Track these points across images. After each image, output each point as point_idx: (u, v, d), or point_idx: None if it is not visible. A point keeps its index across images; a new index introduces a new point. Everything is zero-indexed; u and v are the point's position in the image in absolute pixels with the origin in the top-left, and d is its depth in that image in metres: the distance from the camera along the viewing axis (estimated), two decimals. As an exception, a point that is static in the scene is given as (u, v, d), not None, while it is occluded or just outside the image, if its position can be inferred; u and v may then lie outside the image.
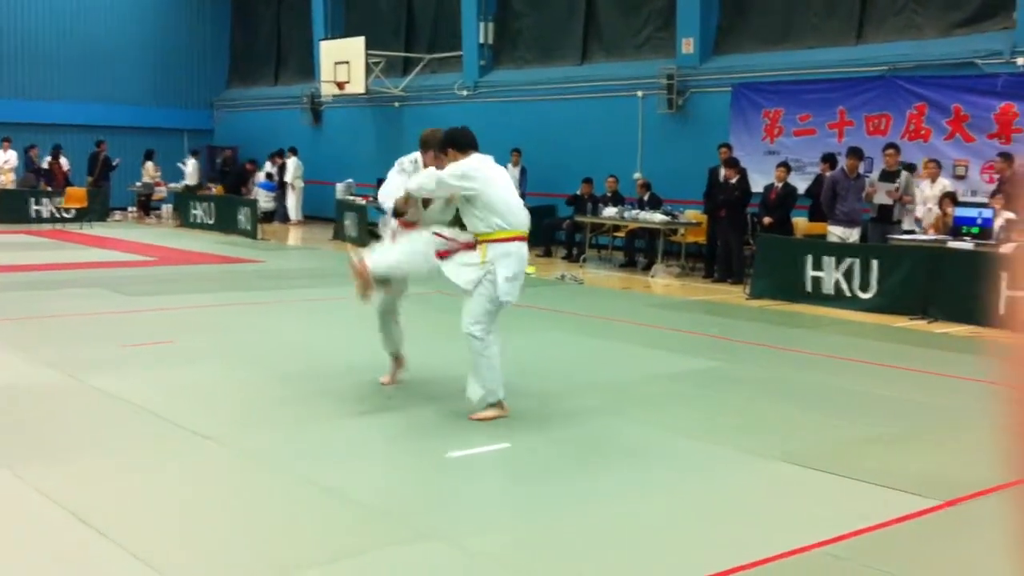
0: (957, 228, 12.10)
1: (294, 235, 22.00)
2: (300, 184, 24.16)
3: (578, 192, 17.27)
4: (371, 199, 20.32)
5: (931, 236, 12.38)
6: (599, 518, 4.80)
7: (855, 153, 13.27)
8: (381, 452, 5.99)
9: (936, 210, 12.76)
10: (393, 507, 4.87)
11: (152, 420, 6.39)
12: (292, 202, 24.14)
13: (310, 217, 24.29)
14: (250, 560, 4.24)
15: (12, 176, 23.62)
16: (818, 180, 14.36)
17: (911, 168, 13.28)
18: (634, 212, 15.90)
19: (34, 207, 22.49)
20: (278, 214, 23.81)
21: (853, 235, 13.02)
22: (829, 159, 14.18)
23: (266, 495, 5.09)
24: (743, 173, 14.61)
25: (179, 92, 28.39)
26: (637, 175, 17.12)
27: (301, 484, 5.20)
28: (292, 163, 24.08)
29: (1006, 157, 12.60)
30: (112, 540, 4.35)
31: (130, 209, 25.69)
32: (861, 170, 13.35)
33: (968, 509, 4.98)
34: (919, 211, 13.09)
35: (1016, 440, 1.15)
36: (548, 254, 17.67)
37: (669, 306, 12.36)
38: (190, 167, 25.15)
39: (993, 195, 12.43)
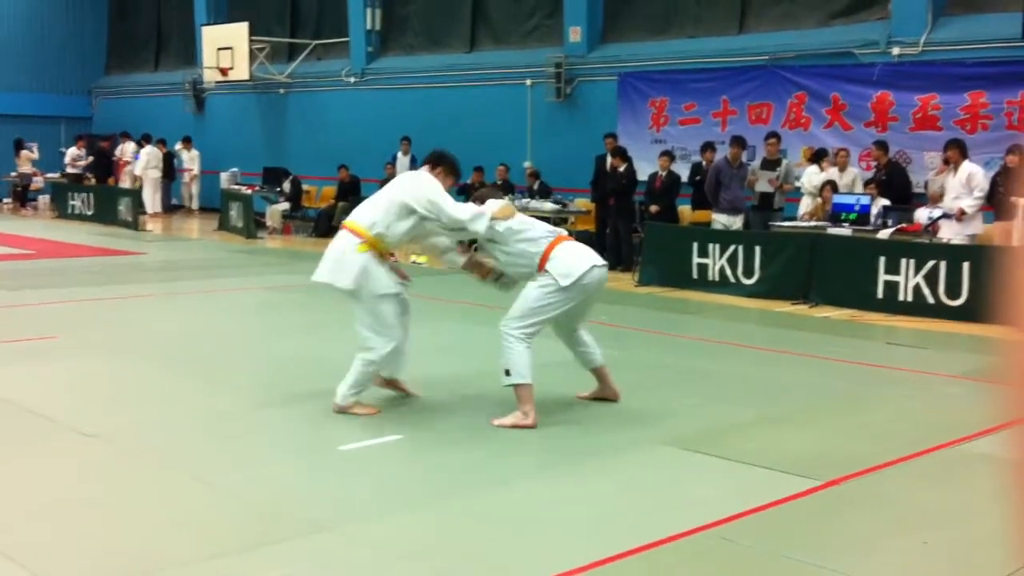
0: (836, 215, 12.47)
1: (177, 226, 21.49)
2: (154, 174, 23.02)
3: (469, 180, 17.26)
4: (257, 188, 20.01)
5: (811, 223, 12.74)
6: (487, 505, 4.83)
7: (738, 142, 13.56)
8: (271, 447, 5.90)
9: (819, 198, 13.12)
10: (281, 502, 4.80)
11: (32, 418, 6.19)
12: (148, 193, 22.66)
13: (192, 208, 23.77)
14: (128, 558, 4.13)
15: None
16: (698, 168, 14.64)
17: (823, 155, 13.53)
18: (524, 200, 15.97)
19: (-100, 198, 21.54)
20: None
21: (737, 223, 13.32)
22: (710, 147, 14.46)
23: (149, 492, 4.97)
24: (630, 162, 14.80)
25: (55, 78, 27.39)
26: (527, 164, 17.21)
27: (186, 481, 5.10)
28: (145, 152, 23.01)
29: (880, 145, 13.03)
30: (-11, 545, 4.20)
31: (5, 200, 24.77)
32: (744, 159, 13.66)
33: (850, 488, 5.15)
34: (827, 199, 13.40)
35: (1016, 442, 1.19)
36: (439, 243, 17.61)
37: (559, 294, 12.45)
38: (70, 156, 24.17)
39: (869, 183, 12.85)
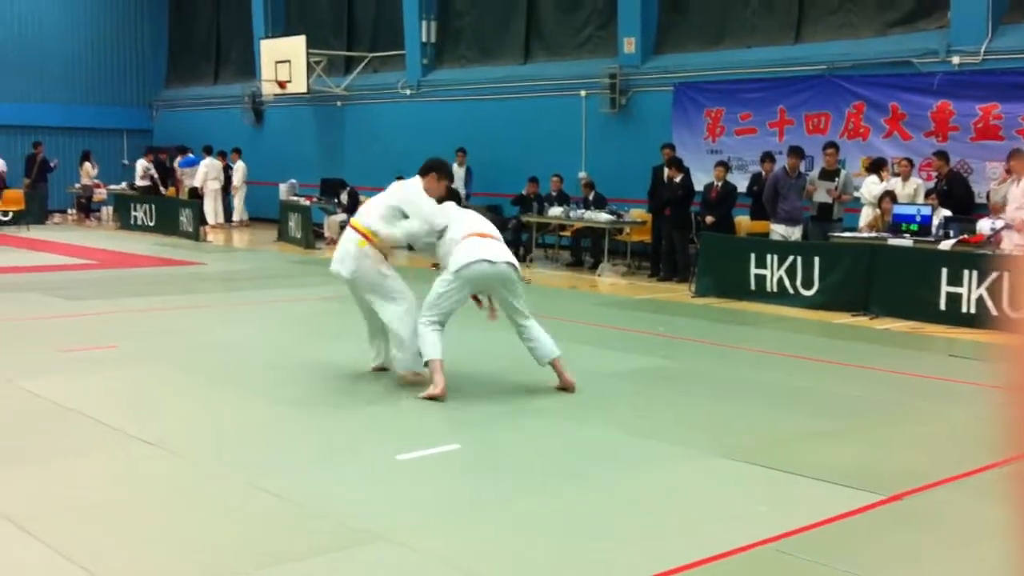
0: (896, 225, 12.30)
1: (237, 237, 21.76)
2: (214, 186, 23.12)
3: (524, 192, 17.30)
4: (315, 199, 20.21)
5: (871, 234, 12.58)
6: (544, 517, 4.81)
7: (796, 152, 13.45)
8: (328, 456, 5.94)
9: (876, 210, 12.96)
10: (337, 511, 4.83)
11: (92, 425, 6.29)
12: (209, 205, 22.84)
13: (251, 218, 24.04)
14: (189, 565, 4.18)
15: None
16: (757, 179, 14.53)
17: (881, 165, 13.37)
18: (580, 211, 15.97)
19: (-31, 210, 22.06)
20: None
21: (795, 233, 13.19)
22: (769, 158, 14.35)
23: (206, 500, 5.03)
24: (687, 172, 14.73)
25: (117, 91, 27.92)
26: (582, 174, 17.19)
27: (244, 488, 5.15)
28: (205, 164, 23.10)
29: (941, 155, 12.83)
30: (50, 547, 4.27)
31: (69, 211, 25.26)
32: (802, 169, 13.53)
33: (912, 503, 5.07)
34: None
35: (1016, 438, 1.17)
36: (493, 253, 17.65)
37: (615, 304, 12.42)
38: (141, 168, 24.42)
39: (929, 193, 12.66)
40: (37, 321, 10.30)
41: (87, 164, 24.77)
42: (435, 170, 7.56)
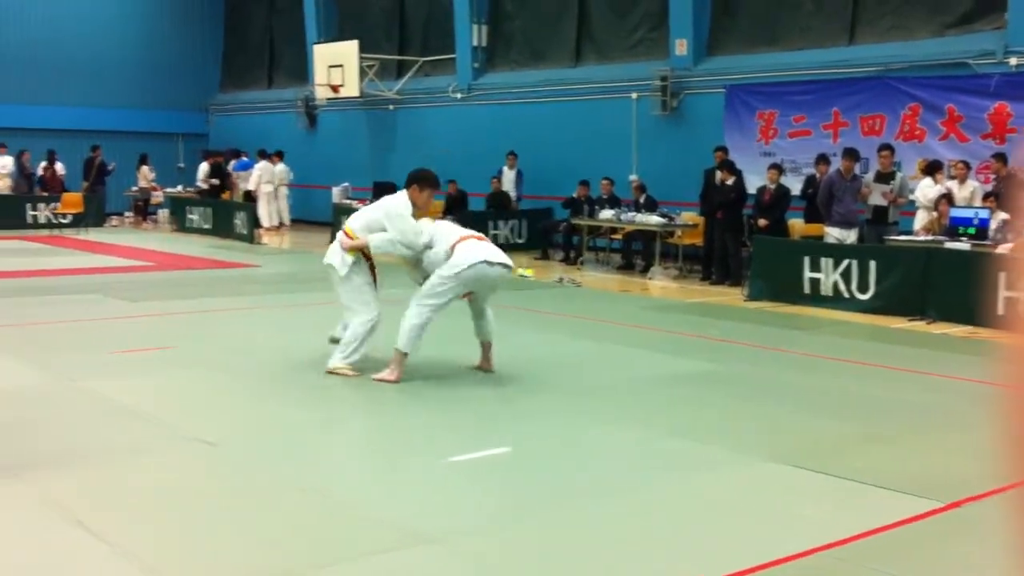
0: (953, 229, 12.13)
1: (290, 240, 21.97)
2: (268, 189, 23.30)
3: (574, 194, 17.29)
4: (367, 202, 20.34)
5: (927, 237, 12.42)
6: (595, 521, 4.81)
7: (850, 154, 13.31)
8: (380, 458, 5.99)
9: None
10: (388, 512, 4.87)
11: (149, 425, 6.40)
12: (263, 208, 23.05)
13: (304, 221, 24.26)
14: (244, 566, 4.24)
15: (8, 181, 23.60)
16: (811, 181, 14.40)
17: (937, 167, 13.19)
18: (631, 214, 15.93)
19: (30, 212, 22.50)
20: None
21: (850, 236, 13.05)
22: (824, 160, 14.22)
23: (259, 500, 5.08)
24: (739, 175, 14.64)
25: (173, 96, 28.32)
26: (633, 177, 17.14)
27: (297, 489, 5.21)
28: (259, 167, 23.29)
29: (999, 157, 12.64)
30: (110, 544, 4.35)
31: (127, 214, 25.67)
32: (856, 171, 13.39)
33: (970, 511, 4.99)
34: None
35: (1014, 444, 1.17)
36: (545, 257, 17.69)
37: (667, 308, 12.38)
38: (203, 172, 24.71)
39: (987, 196, 12.47)
40: (97, 322, 10.48)
41: (144, 167, 25.16)
42: (417, 181, 7.86)
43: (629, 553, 4.44)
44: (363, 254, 7.92)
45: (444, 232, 7.82)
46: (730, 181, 14.51)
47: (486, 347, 8.10)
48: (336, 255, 7.95)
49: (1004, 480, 1.17)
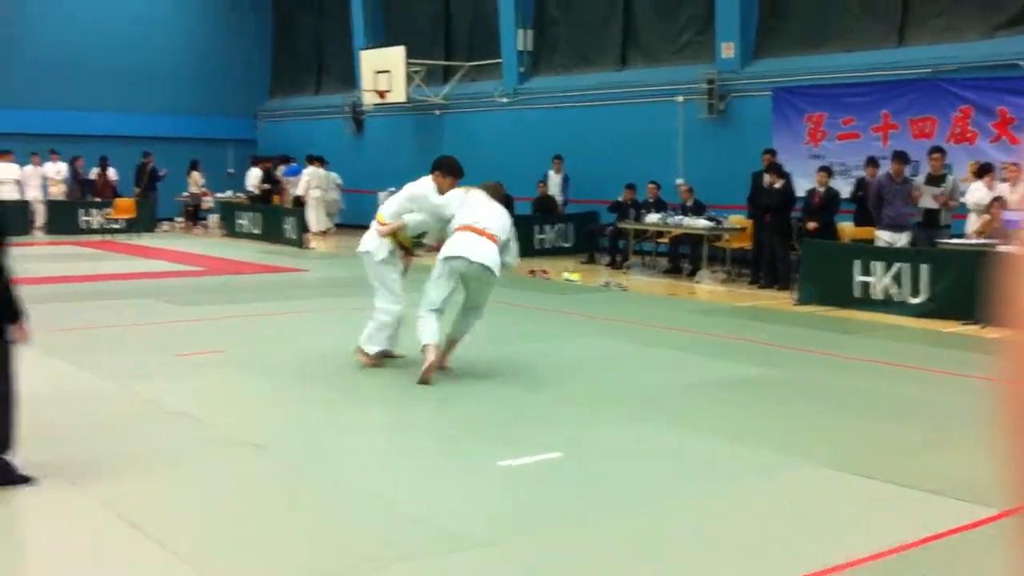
0: (1006, 232, 11.95)
1: (337, 244, 22.12)
2: (316, 194, 23.34)
3: (620, 198, 17.26)
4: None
5: (980, 240, 12.25)
6: (648, 526, 4.81)
7: (900, 157, 13.16)
8: (430, 461, 6.03)
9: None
10: (439, 515, 4.89)
11: (203, 429, 6.48)
12: (312, 213, 23.02)
13: (350, 226, 24.42)
14: (298, 568, 4.29)
15: (62, 187, 24.00)
16: (860, 184, 14.26)
17: (988, 170, 13.00)
18: (677, 218, 15.87)
19: (83, 218, 22.86)
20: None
21: (901, 239, 12.90)
22: (874, 163, 14.08)
23: (313, 502, 5.14)
24: (787, 178, 14.53)
25: (223, 102, 28.65)
26: (680, 181, 17.07)
27: (349, 491, 5.26)
28: (307, 173, 23.36)
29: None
30: (165, 547, 4.42)
31: (177, 219, 26.00)
32: (907, 173, 13.24)
33: (1025, 518, 4.92)
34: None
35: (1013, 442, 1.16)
36: (591, 261, 17.67)
37: (715, 312, 12.32)
38: (255, 177, 24.97)
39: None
40: (150, 326, 10.63)
41: (195, 173, 25.46)
42: (440, 167, 8.42)
43: (681, 559, 4.43)
44: (400, 245, 8.37)
45: (462, 212, 8.00)
46: (778, 184, 14.41)
47: (450, 343, 8.13)
48: (372, 241, 8.34)
49: (1004, 481, 1.17)
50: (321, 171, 23.45)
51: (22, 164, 23.36)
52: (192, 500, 5.17)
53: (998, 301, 1.18)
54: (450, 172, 8.36)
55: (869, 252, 12.48)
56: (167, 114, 27.41)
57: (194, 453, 5.98)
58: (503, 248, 7.96)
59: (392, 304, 8.27)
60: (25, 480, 5.22)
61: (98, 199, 23.71)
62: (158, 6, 27.81)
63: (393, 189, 21.51)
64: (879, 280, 11.95)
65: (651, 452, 6.11)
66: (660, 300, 13.54)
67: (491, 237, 7.84)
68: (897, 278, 11.80)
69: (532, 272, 15.55)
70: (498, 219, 7.99)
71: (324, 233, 23.40)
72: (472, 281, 7.93)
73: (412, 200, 8.31)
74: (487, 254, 7.74)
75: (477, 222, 7.88)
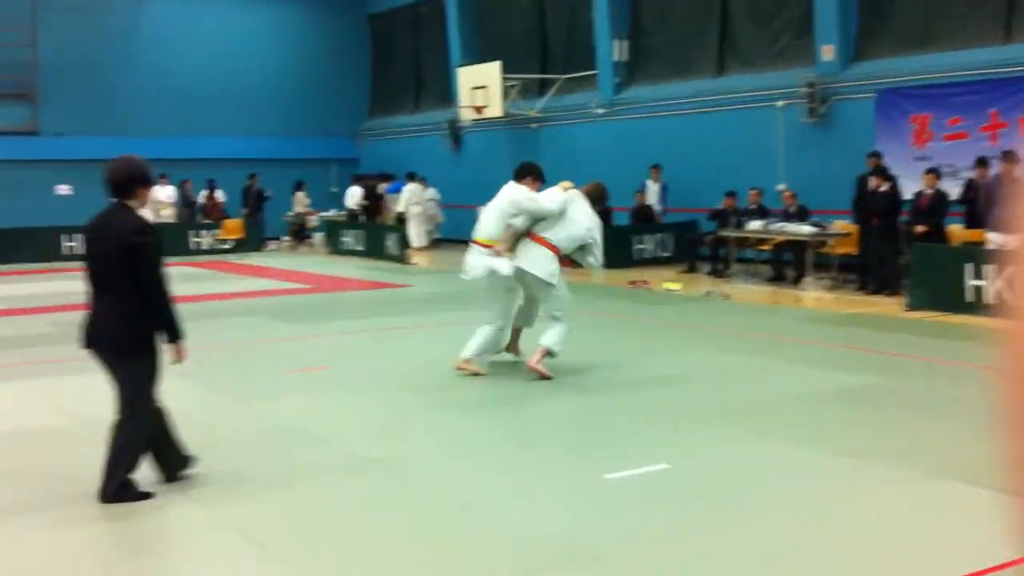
0: None
1: (440, 260, 22.38)
2: (416, 210, 23.83)
3: (720, 206, 17.12)
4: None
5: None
6: (754, 540, 4.78)
7: (1010, 156, 12.79)
8: (538, 476, 6.07)
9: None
10: (551, 531, 4.93)
11: (318, 444, 6.64)
12: (413, 229, 23.53)
13: (452, 240, 24.68)
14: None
15: (172, 210, 24.78)
16: (970, 185, 13.89)
17: None
18: (779, 224, 15.67)
19: (193, 240, 23.57)
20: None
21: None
22: (983, 163, 13.71)
23: (422, 520, 5.20)
24: (893, 181, 14.23)
25: (325, 123, 29.31)
26: (782, 187, 16.85)
27: (458, 509, 5.34)
28: (407, 189, 23.87)
29: None
30: (285, 564, 4.54)
31: (283, 238, 26.62)
32: (1018, 173, 12.86)
33: None
34: None
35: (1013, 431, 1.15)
36: (692, 270, 17.55)
37: (822, 320, 12.12)
38: (348, 195, 25.50)
39: None
40: (261, 344, 10.92)
41: (299, 193, 26.05)
42: (531, 173, 8.83)
43: (790, 572, 4.39)
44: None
45: (558, 216, 8.59)
46: (884, 187, 14.12)
47: (516, 332, 9.10)
48: (491, 262, 8.58)
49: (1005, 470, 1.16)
50: (419, 187, 23.78)
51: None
52: (308, 516, 5.30)
53: (1011, 294, 1.17)
54: (538, 178, 8.83)
55: (981, 255, 12.15)
56: (271, 136, 28.15)
57: (309, 469, 6.11)
58: (581, 250, 8.81)
59: (502, 322, 8.84)
60: (146, 496, 5.43)
61: (207, 221, 24.42)
62: (260, 34, 28.60)
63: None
64: (992, 284, 11.62)
65: (762, 464, 6.06)
66: (765, 309, 13.38)
67: (543, 242, 8.54)
68: (1011, 282, 11.44)
69: (633, 283, 15.52)
70: (572, 223, 8.63)
71: (427, 248, 23.72)
72: (524, 286, 8.70)
73: (515, 204, 8.59)
74: (534, 262, 8.46)
75: (542, 236, 8.58)
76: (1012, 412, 1.14)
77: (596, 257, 8.85)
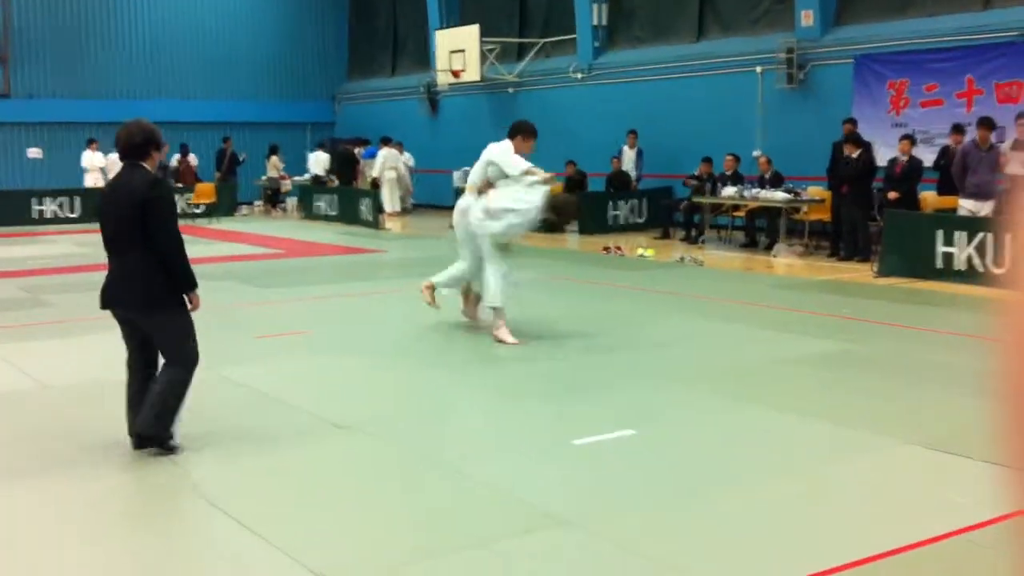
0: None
1: (414, 224, 22.29)
2: (391, 175, 23.43)
3: (696, 172, 17.09)
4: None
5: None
6: (731, 504, 4.79)
7: (986, 123, 12.81)
8: (508, 441, 6.07)
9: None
10: (522, 495, 4.93)
11: (290, 411, 6.60)
12: (387, 194, 23.16)
13: (428, 205, 24.58)
14: (383, 548, 4.36)
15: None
16: (945, 152, 13.92)
17: None
18: (755, 191, 15.66)
19: (166, 203, 23.30)
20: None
21: (985, 208, 12.58)
22: (958, 130, 13.72)
23: (396, 484, 5.21)
24: (867, 147, 14.24)
25: (301, 86, 29.05)
26: (757, 152, 16.84)
27: (430, 472, 5.33)
28: (382, 154, 23.53)
29: None
30: (250, 529, 4.51)
31: (256, 203, 26.42)
32: (993, 140, 12.89)
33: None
34: None
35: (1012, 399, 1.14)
36: (666, 236, 17.54)
37: (793, 286, 12.15)
38: (312, 160, 25.44)
39: None
40: (233, 308, 10.84)
41: (274, 157, 25.83)
42: (522, 132, 8.87)
43: (767, 537, 4.41)
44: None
45: (514, 179, 8.76)
46: (855, 154, 14.12)
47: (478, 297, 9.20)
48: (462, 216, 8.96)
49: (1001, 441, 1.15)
50: (394, 152, 23.60)
51: (106, 152, 23.92)
52: (278, 482, 5.27)
53: (1009, 264, 1.15)
54: (532, 136, 8.92)
55: (952, 222, 12.20)
56: (247, 100, 27.89)
57: (283, 435, 6.06)
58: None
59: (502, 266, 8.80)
60: (172, 450, 5.56)
61: (180, 185, 24.19)
62: (237, -4, 28.20)
63: (467, 168, 21.77)
64: (962, 251, 11.67)
65: (733, 430, 6.07)
66: (737, 275, 13.41)
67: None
68: (980, 248, 11.51)
69: (606, 248, 15.49)
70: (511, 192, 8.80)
71: (401, 213, 23.57)
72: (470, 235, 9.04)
73: (498, 156, 8.73)
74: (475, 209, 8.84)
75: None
76: (1012, 382, 1.12)
77: (499, 231, 8.72)
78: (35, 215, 22.01)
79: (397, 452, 5.71)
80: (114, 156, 23.56)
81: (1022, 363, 1.12)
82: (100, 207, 5.76)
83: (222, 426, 6.26)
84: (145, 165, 5.64)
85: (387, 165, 23.48)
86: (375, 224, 20.34)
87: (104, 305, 5.63)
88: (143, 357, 5.70)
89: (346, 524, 4.63)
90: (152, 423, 5.47)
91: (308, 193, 23.96)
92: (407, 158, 24.28)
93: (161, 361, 5.68)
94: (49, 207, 22.37)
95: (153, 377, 5.63)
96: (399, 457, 5.62)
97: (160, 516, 4.93)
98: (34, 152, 25.17)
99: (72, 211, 22.41)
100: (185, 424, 5.70)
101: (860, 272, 12.92)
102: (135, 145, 5.60)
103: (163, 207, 5.54)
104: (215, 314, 10.53)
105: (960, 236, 11.73)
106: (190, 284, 5.62)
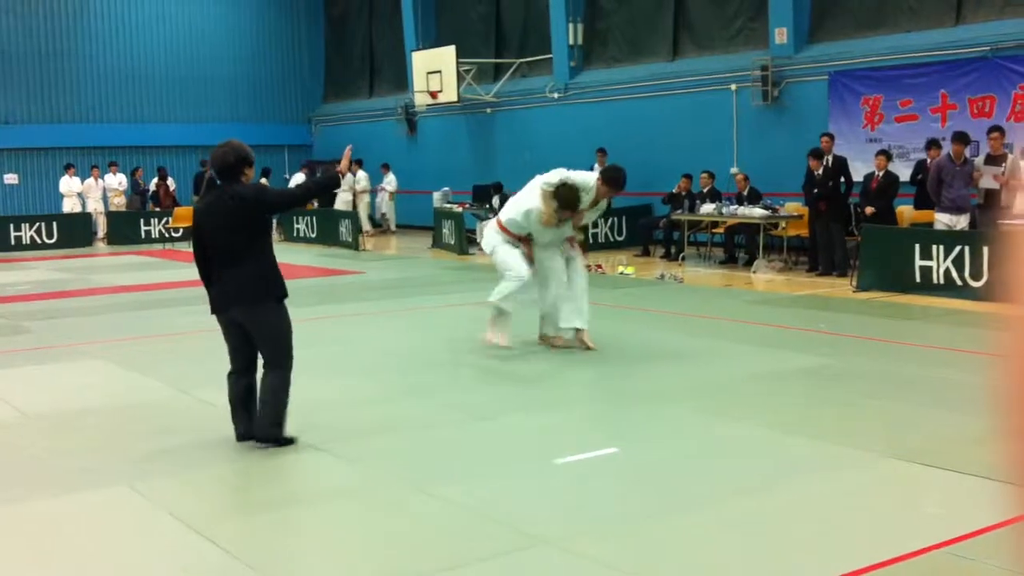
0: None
1: (394, 245, 22.29)
2: (366, 198, 23.96)
3: (675, 190, 17.16)
4: (467, 206, 20.54)
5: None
6: (709, 521, 4.78)
7: (960, 138, 12.92)
8: (489, 460, 6.05)
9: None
10: (502, 515, 4.91)
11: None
12: (363, 214, 23.71)
13: (408, 226, 24.58)
14: (366, 569, 4.33)
15: (124, 198, 24.44)
16: (920, 167, 14.03)
17: None
18: (733, 207, 15.74)
19: (144, 228, 23.26)
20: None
21: (961, 222, 12.68)
22: (935, 145, 13.84)
23: (375, 503, 5.18)
24: (841, 162, 14.34)
25: (278, 109, 29.04)
26: (734, 170, 16.93)
27: (409, 492, 5.30)
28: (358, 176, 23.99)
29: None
30: (227, 551, 4.48)
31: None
32: (968, 154, 13.00)
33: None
34: None
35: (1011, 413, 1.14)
36: (646, 253, 17.60)
37: (773, 302, 12.20)
38: (293, 182, 25.48)
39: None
40: (210, 333, 10.77)
41: (262, 180, 25.80)
42: (607, 183, 9.37)
43: (744, 553, 4.41)
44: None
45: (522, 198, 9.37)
46: (819, 170, 14.22)
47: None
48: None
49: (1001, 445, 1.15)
50: (365, 175, 23.83)
51: (83, 178, 23.86)
52: (261, 503, 5.24)
53: (1005, 277, 1.17)
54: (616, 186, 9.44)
55: (928, 236, 12.28)
56: (224, 123, 27.79)
57: (255, 457, 6.04)
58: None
59: (516, 271, 8.97)
60: (290, 441, 6.00)
61: (158, 209, 24.11)
62: (213, 18, 28.22)
63: (447, 189, 21.84)
64: (940, 264, 11.75)
65: (714, 447, 6.08)
66: (717, 291, 13.45)
67: (498, 221, 9.27)
68: (958, 261, 11.59)
69: (587, 267, 15.48)
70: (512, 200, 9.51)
71: (378, 231, 23.70)
72: None
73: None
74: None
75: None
76: (1013, 396, 1.13)
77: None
78: (12, 241, 21.88)
79: (370, 473, 5.69)
80: (91, 181, 23.60)
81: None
82: (198, 226, 6.08)
83: (194, 448, 6.21)
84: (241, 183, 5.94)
85: (361, 187, 23.72)
86: (355, 245, 20.32)
87: (215, 309, 6.06)
88: (245, 357, 6.10)
89: (322, 546, 4.60)
90: (268, 430, 5.91)
91: (288, 215, 23.91)
92: (390, 180, 24.35)
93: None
94: (27, 233, 22.24)
95: (253, 381, 6.03)
96: (372, 478, 5.60)
97: (130, 537, 4.88)
98: (10, 178, 25.07)
99: (50, 237, 22.32)
100: (158, 446, 5.65)
101: (839, 287, 12.98)
102: (229, 165, 5.93)
103: (272, 193, 6.27)
104: (194, 339, 10.49)
105: (937, 249, 11.81)
106: (330, 184, 6.52)
